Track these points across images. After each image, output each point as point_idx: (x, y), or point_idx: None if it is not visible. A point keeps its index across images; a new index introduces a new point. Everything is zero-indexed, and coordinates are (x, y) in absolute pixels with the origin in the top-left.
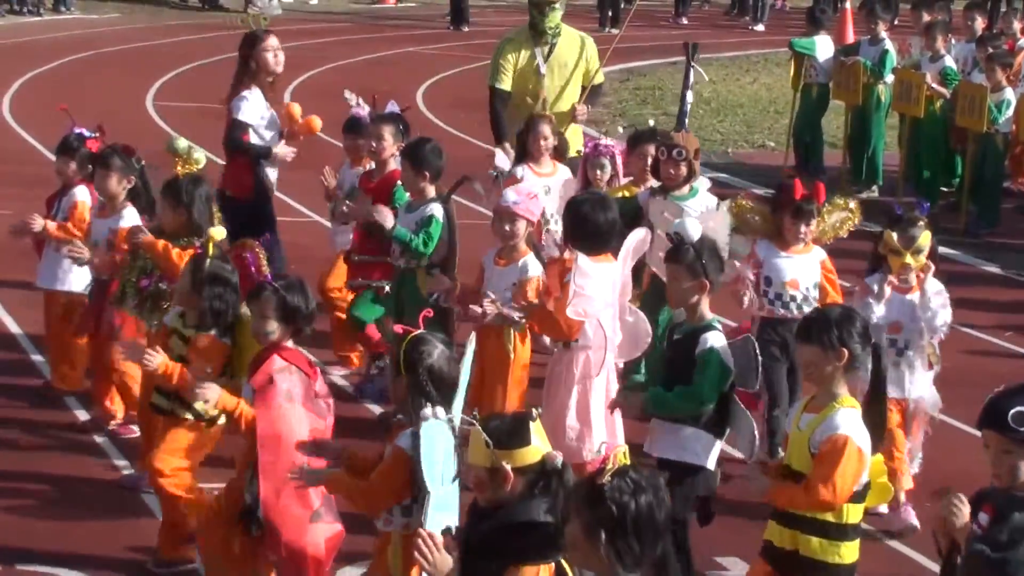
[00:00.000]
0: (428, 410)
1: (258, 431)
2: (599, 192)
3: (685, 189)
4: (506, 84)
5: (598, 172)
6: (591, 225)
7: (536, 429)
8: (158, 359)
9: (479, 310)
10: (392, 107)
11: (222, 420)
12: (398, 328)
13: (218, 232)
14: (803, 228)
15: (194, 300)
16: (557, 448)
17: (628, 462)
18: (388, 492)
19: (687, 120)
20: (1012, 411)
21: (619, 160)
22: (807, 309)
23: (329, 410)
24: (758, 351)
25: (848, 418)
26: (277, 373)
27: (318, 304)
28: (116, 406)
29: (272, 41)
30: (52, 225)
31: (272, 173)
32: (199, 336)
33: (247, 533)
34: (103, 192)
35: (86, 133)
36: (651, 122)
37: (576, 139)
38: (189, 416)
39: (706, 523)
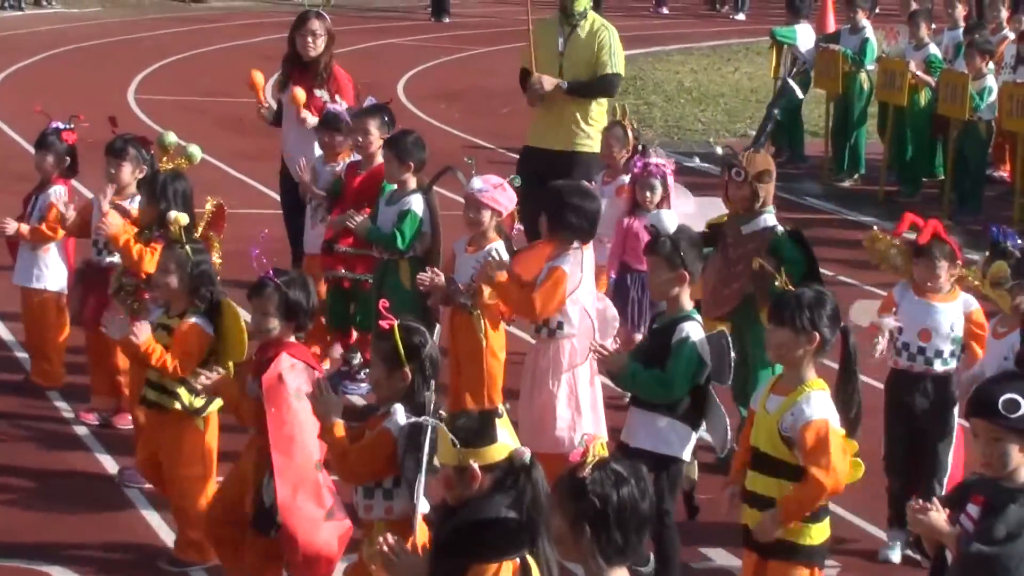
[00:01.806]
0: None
1: (271, 433)
2: (580, 182)
3: (751, 214)
4: (526, 63)
5: (647, 194)
6: (583, 214)
7: (503, 425)
8: (144, 335)
9: (427, 281)
10: (370, 102)
11: (211, 409)
12: (383, 324)
13: (182, 217)
14: (931, 278)
15: (175, 291)
16: (547, 440)
17: (606, 453)
18: (365, 465)
19: (764, 139)
20: (1003, 398)
21: (671, 180)
22: (940, 367)
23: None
24: (731, 345)
25: (820, 401)
26: (287, 372)
27: None
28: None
29: (311, 25)
30: (25, 228)
31: (295, 152)
32: (182, 322)
33: (263, 535)
34: (116, 182)
35: (62, 126)
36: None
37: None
38: (177, 406)
39: (692, 516)
